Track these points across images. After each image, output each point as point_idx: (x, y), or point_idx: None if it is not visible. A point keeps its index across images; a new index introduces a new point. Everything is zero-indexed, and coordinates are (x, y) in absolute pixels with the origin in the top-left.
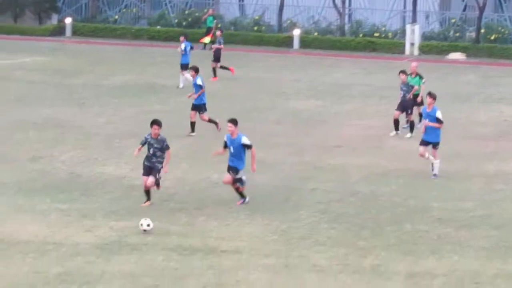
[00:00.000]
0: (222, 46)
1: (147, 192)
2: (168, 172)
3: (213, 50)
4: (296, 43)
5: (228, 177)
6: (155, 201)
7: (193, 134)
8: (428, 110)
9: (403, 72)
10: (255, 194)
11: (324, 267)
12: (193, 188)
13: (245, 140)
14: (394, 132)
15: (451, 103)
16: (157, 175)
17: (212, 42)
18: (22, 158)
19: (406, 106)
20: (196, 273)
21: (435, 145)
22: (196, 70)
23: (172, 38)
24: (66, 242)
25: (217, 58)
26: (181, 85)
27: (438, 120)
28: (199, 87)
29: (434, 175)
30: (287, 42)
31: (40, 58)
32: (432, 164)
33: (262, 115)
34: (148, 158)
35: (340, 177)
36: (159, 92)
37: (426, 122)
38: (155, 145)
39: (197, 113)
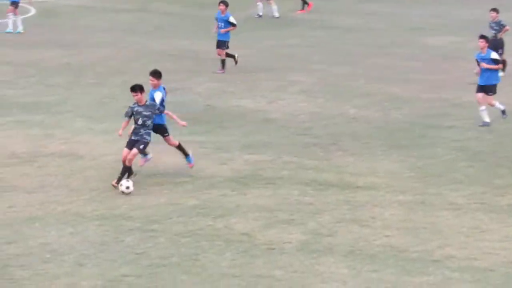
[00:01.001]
0: None
1: (126, 168)
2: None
3: None
4: None
5: None
6: (290, 136)
7: (220, 71)
8: (483, 54)
9: (494, 10)
10: (392, 129)
11: (461, 205)
12: (329, 122)
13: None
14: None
15: None
16: (141, 147)
17: None
18: None
19: (496, 45)
20: (330, 208)
21: (490, 88)
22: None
23: None
24: (201, 175)
25: None
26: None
27: (495, 61)
28: (229, 24)
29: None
30: None
31: None
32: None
33: (399, 50)
34: (135, 130)
35: (478, 115)
36: (295, 25)
37: (483, 64)
38: (144, 113)
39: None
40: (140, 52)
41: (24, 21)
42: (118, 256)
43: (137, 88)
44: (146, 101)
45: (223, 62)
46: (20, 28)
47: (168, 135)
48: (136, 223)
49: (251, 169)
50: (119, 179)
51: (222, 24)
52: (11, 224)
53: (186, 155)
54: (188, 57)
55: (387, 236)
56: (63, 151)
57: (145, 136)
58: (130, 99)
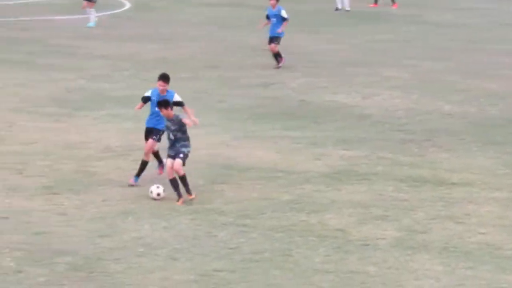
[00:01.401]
0: None
1: (177, 181)
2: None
3: None
4: None
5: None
6: (384, 131)
7: (280, 65)
8: None
9: None
10: (487, 125)
11: None
12: (424, 118)
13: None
14: None
15: None
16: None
17: None
18: (253, 84)
19: None
20: (425, 204)
21: None
22: None
23: None
24: (295, 170)
25: None
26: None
27: None
28: (282, 19)
29: None
30: None
31: None
32: None
33: (494, 46)
34: (171, 145)
35: None
36: (389, 20)
37: None
38: (172, 128)
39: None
40: (233, 47)
41: (118, 15)
42: (211, 250)
43: (163, 104)
44: (174, 114)
45: (276, 56)
46: (92, 23)
47: (156, 139)
48: (229, 218)
49: (345, 165)
50: (187, 191)
51: (275, 19)
52: (105, 217)
53: (140, 172)
54: (281, 51)
55: (482, 233)
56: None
57: (182, 149)
58: (224, 94)
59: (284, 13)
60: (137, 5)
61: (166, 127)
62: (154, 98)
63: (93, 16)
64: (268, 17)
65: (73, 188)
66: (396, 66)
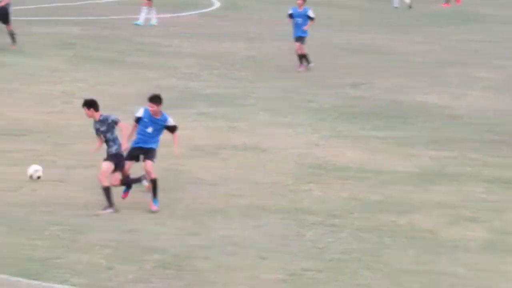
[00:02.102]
0: None
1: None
2: None
3: None
4: None
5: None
6: (475, 132)
7: (311, 65)
8: None
9: None
10: None
11: None
12: None
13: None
14: None
15: None
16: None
17: None
18: (343, 83)
19: None
20: None
21: None
22: None
23: None
24: (384, 170)
25: None
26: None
27: None
28: (308, 18)
29: None
30: None
31: None
32: None
33: None
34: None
35: None
36: (481, 21)
37: None
38: (101, 129)
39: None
40: (324, 47)
41: (207, 14)
42: (300, 250)
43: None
44: (101, 115)
45: (301, 58)
46: (154, 21)
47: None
48: (318, 217)
49: (435, 165)
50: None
51: (300, 19)
52: (194, 216)
53: (129, 183)
54: (370, 51)
55: None
56: (246, 144)
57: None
58: (313, 93)
59: (311, 13)
60: (226, 4)
61: (95, 129)
62: (145, 120)
63: (143, 15)
64: (291, 16)
65: (162, 187)
66: (488, 67)
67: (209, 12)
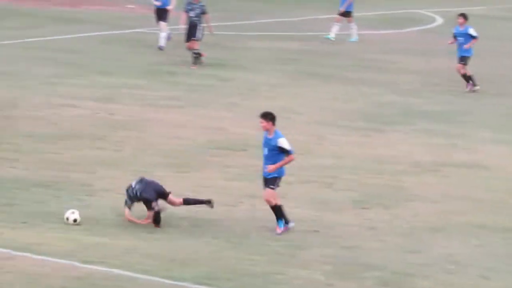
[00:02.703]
0: None
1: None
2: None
3: None
4: None
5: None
6: None
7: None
8: None
9: None
10: None
11: None
12: None
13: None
14: None
15: None
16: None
17: None
18: None
19: None
20: None
21: None
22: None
23: None
24: None
25: None
26: None
27: None
28: (470, 38)
29: None
30: None
31: None
32: None
33: None
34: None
35: None
36: None
37: None
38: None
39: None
40: None
41: (429, 30)
42: None
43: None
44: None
45: (466, 77)
46: (354, 38)
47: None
48: None
49: None
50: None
51: (462, 39)
52: (413, 233)
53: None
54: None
55: None
56: (467, 161)
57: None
58: None
59: (472, 31)
60: (447, 19)
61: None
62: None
63: (354, 30)
64: (455, 36)
65: (382, 203)
66: None
67: (430, 29)
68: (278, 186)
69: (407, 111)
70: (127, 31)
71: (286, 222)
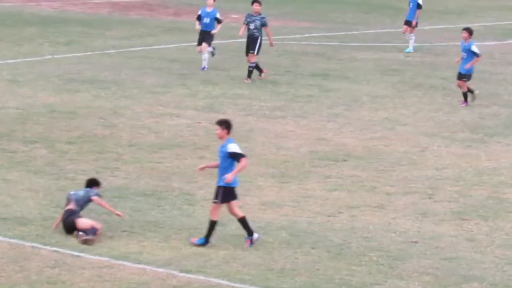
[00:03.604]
0: None
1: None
2: None
3: None
4: None
5: None
6: None
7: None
8: None
9: None
10: None
11: None
12: None
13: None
14: None
15: None
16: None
17: None
18: None
19: None
20: None
21: None
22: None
23: None
24: None
25: None
26: None
27: None
28: (473, 54)
29: None
30: None
31: None
32: None
33: None
34: None
35: None
36: None
37: None
38: None
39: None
40: None
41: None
42: None
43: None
44: None
45: (465, 95)
46: (410, 48)
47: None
48: None
49: None
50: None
51: (466, 54)
52: None
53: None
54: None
55: None
56: None
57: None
58: None
59: (475, 48)
60: None
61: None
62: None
63: (412, 41)
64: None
65: (483, 215)
66: None
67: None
68: (234, 197)
69: (510, 123)
70: (230, 40)
71: (250, 234)
